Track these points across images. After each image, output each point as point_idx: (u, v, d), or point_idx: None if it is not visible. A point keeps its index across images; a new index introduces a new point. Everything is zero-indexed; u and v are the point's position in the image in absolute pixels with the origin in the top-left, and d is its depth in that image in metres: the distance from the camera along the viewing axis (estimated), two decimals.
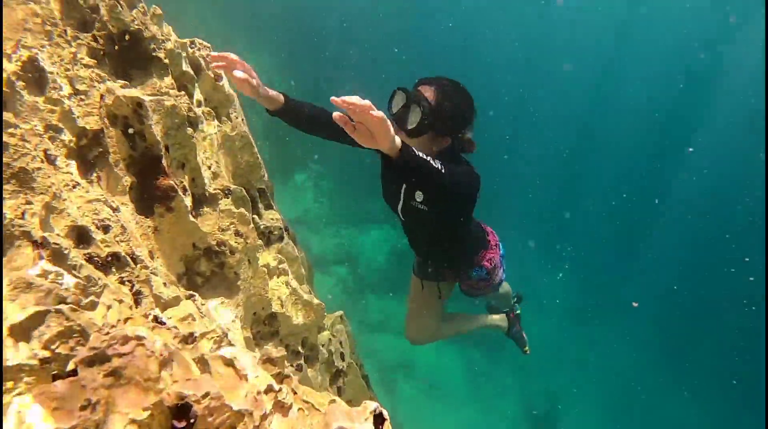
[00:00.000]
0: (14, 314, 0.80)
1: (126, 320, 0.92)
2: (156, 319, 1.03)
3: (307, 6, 12.84)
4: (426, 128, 2.03)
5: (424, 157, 1.72)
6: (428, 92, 2.07)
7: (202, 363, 0.84)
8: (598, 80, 17.38)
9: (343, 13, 13.61)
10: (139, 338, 0.74)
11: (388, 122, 1.54)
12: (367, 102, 1.48)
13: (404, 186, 2.27)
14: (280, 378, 1.15)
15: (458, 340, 9.41)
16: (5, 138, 1.31)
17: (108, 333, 0.74)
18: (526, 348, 3.53)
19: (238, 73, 1.94)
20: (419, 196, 2.23)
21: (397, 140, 1.61)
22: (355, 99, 1.47)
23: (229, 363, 0.84)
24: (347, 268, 9.50)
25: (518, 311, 3.52)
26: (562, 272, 11.51)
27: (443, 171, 1.77)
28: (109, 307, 0.92)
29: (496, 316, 3.45)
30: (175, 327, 1.03)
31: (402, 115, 2.02)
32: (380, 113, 1.51)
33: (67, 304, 0.89)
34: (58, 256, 1.14)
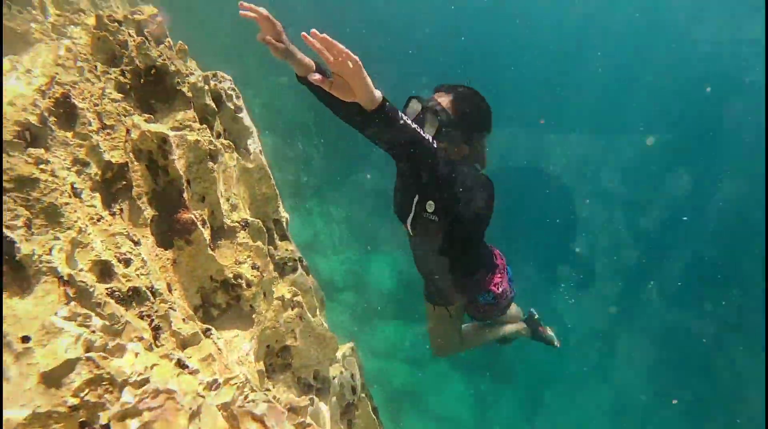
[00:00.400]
0: (46, 360, 0.81)
1: (152, 366, 0.93)
2: (180, 362, 1.03)
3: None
4: (442, 137, 2.02)
5: (411, 122, 1.74)
6: (444, 100, 2.06)
7: (231, 417, 0.84)
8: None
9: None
10: (169, 392, 0.74)
11: (364, 71, 1.54)
12: (342, 46, 1.49)
13: (416, 197, 2.21)
14: (303, 426, 1.14)
15: (466, 367, 9.29)
16: (37, 173, 1.35)
17: (140, 388, 0.75)
18: (556, 343, 3.47)
19: (267, 36, 1.84)
20: (430, 206, 2.17)
21: (377, 94, 1.62)
22: (328, 38, 1.47)
23: (259, 419, 0.85)
24: (355, 293, 9.47)
25: (536, 316, 3.48)
26: (574, 298, 11.34)
27: (430, 140, 1.78)
28: (137, 354, 0.93)
29: (517, 325, 3.42)
30: (198, 370, 1.04)
31: (417, 124, 1.95)
32: (356, 59, 1.50)
33: (95, 347, 0.91)
34: (84, 294, 1.16)
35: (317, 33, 1.48)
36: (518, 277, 3.00)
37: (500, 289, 2.67)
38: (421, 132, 1.82)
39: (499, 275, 2.67)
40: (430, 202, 2.16)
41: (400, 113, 1.73)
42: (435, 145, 1.86)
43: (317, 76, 1.60)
